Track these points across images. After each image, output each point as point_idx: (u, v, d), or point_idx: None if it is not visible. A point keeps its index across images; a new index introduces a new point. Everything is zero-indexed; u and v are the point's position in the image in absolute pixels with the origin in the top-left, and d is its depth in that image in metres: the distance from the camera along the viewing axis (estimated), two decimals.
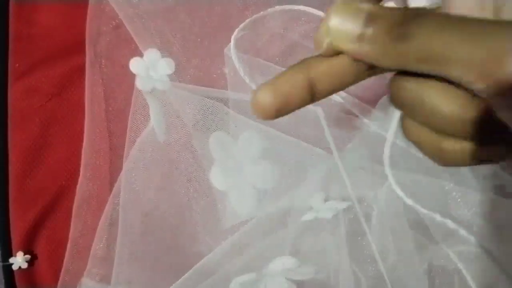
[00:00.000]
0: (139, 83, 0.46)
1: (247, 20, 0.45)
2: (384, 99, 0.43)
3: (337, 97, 0.45)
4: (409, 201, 0.42)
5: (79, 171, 0.48)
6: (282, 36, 0.48)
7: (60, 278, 0.47)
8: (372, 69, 0.20)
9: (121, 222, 0.46)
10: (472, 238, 0.42)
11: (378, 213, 0.45)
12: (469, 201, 0.44)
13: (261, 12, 0.45)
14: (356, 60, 0.19)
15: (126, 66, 0.46)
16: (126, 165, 0.46)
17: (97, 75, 0.48)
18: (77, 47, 0.48)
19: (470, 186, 0.44)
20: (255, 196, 0.46)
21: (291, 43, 0.48)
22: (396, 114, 0.23)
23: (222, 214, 0.47)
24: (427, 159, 0.22)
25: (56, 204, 0.48)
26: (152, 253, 0.47)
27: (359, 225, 0.45)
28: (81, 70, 0.48)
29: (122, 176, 0.46)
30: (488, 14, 0.19)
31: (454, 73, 0.17)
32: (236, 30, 0.45)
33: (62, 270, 0.47)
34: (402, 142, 0.41)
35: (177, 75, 0.47)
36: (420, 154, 0.22)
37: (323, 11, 0.46)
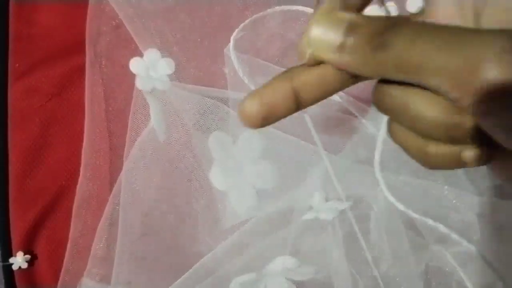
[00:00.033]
0: (139, 83, 0.46)
1: (246, 21, 0.45)
2: None
3: (335, 97, 0.45)
4: (401, 206, 0.42)
5: (79, 171, 0.48)
6: (281, 36, 0.48)
7: (60, 278, 0.47)
8: (356, 77, 0.20)
9: (121, 222, 0.46)
10: (464, 241, 0.43)
11: (377, 214, 0.45)
12: (465, 203, 0.44)
13: (261, 13, 0.45)
14: (339, 69, 0.19)
15: (126, 66, 0.46)
16: (126, 164, 0.46)
17: (97, 75, 0.48)
18: (77, 47, 0.48)
19: (464, 188, 0.45)
20: (255, 196, 0.46)
21: (291, 43, 0.48)
22: (385, 118, 0.23)
23: (222, 214, 0.47)
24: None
25: (56, 204, 0.48)
26: (152, 253, 0.47)
27: (358, 226, 0.45)
28: (81, 70, 0.48)
29: (122, 176, 0.46)
30: (469, 20, 0.19)
31: (431, 82, 0.17)
32: (236, 30, 0.45)
33: (62, 270, 0.47)
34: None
35: (177, 75, 0.47)
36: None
37: None
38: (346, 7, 0.20)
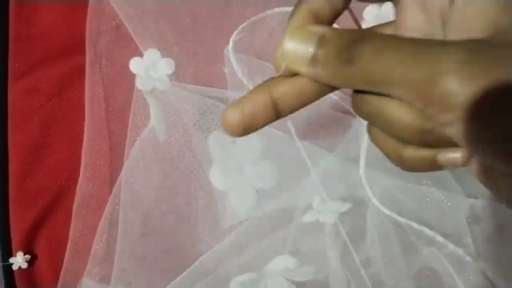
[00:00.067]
0: (139, 83, 0.46)
1: (246, 22, 0.45)
2: None
3: (331, 95, 0.45)
4: (386, 210, 0.43)
5: (79, 171, 0.48)
6: (280, 37, 0.48)
7: (60, 278, 0.47)
8: (332, 87, 0.21)
9: (121, 222, 0.46)
10: (450, 244, 0.43)
11: (371, 215, 0.45)
12: (457, 205, 0.45)
13: (260, 14, 0.45)
14: (314, 80, 0.20)
15: (126, 66, 0.46)
16: (127, 164, 0.46)
17: (97, 75, 0.48)
18: (77, 47, 0.48)
19: (453, 190, 0.45)
20: (255, 196, 0.46)
21: None
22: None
23: (222, 214, 0.47)
24: None
25: (56, 204, 0.48)
26: (152, 253, 0.47)
27: (355, 227, 0.45)
28: (81, 70, 0.48)
29: (122, 176, 0.46)
30: (437, 27, 0.20)
31: (396, 93, 0.18)
32: (235, 32, 0.45)
33: (62, 270, 0.47)
34: None
35: (177, 75, 0.47)
36: None
37: None
38: (318, 20, 0.21)
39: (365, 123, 0.23)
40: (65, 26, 0.49)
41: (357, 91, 0.21)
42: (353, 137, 0.45)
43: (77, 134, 0.48)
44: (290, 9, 0.21)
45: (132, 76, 0.46)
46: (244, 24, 0.45)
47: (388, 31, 0.22)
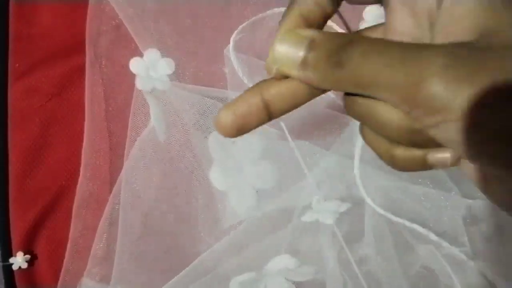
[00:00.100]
0: (139, 83, 0.46)
1: (245, 22, 0.45)
2: None
3: (329, 93, 0.45)
4: (380, 210, 0.43)
5: (79, 171, 0.48)
6: None
7: (60, 278, 0.47)
8: (323, 89, 0.21)
9: (121, 222, 0.46)
10: (444, 242, 0.43)
11: (368, 216, 0.45)
12: (452, 205, 0.45)
13: (260, 14, 0.45)
14: (305, 83, 0.20)
15: (126, 66, 0.46)
16: (127, 164, 0.46)
17: (97, 75, 0.48)
18: (77, 47, 0.48)
19: (450, 191, 0.45)
20: (255, 196, 0.46)
21: None
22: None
23: (222, 214, 0.47)
24: None
25: (56, 204, 0.48)
26: (152, 253, 0.47)
27: (354, 228, 0.45)
28: (81, 70, 0.48)
29: (122, 176, 0.46)
30: (425, 29, 0.20)
31: (383, 96, 0.18)
32: (235, 32, 0.45)
33: (62, 270, 0.47)
34: None
35: (177, 75, 0.47)
36: None
37: None
38: (308, 24, 0.21)
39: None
40: (65, 26, 0.49)
41: (348, 93, 0.21)
42: (350, 136, 0.45)
43: (77, 134, 0.48)
44: None
45: (132, 76, 0.46)
46: (244, 24, 0.45)
47: (378, 33, 0.23)
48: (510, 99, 0.16)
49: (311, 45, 0.19)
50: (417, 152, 0.21)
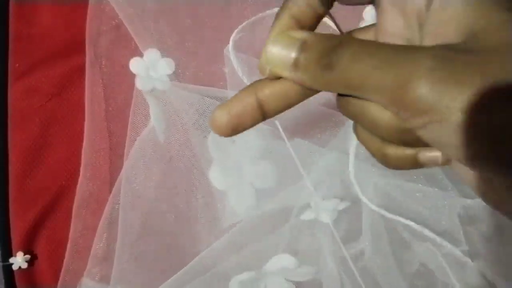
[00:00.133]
0: (139, 83, 0.46)
1: (245, 22, 0.45)
2: None
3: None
4: (374, 207, 0.43)
5: (79, 171, 0.48)
6: None
7: (60, 278, 0.47)
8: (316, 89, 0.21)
9: (121, 222, 0.46)
10: (438, 238, 0.43)
11: (366, 214, 0.45)
12: (450, 204, 0.45)
13: (260, 14, 0.45)
14: (297, 84, 0.21)
15: (126, 66, 0.46)
16: (126, 164, 0.46)
17: (97, 75, 0.48)
18: (77, 47, 0.48)
19: (448, 190, 0.45)
20: (254, 196, 0.46)
21: None
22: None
23: (221, 214, 0.47)
24: None
25: (56, 204, 0.48)
26: (152, 253, 0.47)
27: (352, 226, 0.45)
28: (81, 70, 0.48)
29: (122, 175, 0.46)
30: (415, 30, 0.20)
31: (372, 98, 0.19)
32: (235, 31, 0.45)
33: (62, 270, 0.47)
34: None
35: (177, 75, 0.47)
36: None
37: None
38: (301, 25, 0.21)
39: None
40: (65, 26, 0.49)
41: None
42: (347, 133, 0.45)
43: (77, 134, 0.48)
44: None
45: (132, 76, 0.46)
46: (244, 24, 0.45)
47: (371, 34, 0.23)
48: (494, 100, 0.16)
49: (303, 47, 0.20)
50: (408, 151, 0.21)
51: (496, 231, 0.45)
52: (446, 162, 0.21)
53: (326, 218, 0.44)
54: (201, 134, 0.46)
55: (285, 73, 0.20)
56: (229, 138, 0.45)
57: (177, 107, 0.46)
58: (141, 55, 0.47)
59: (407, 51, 0.18)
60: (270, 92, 0.21)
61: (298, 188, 0.45)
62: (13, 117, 0.48)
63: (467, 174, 0.20)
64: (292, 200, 0.46)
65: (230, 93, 0.46)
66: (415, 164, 0.21)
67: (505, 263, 0.44)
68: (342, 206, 0.44)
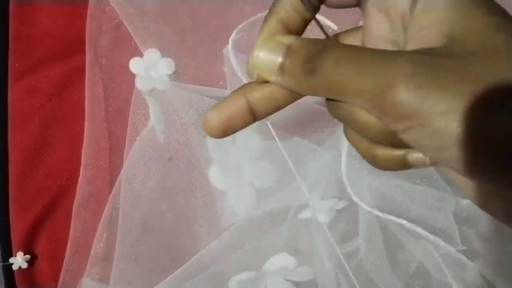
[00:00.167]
0: (139, 83, 0.46)
1: (245, 22, 0.45)
2: None
3: None
4: (366, 206, 0.43)
5: (79, 171, 0.48)
6: None
7: (60, 278, 0.47)
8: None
9: (121, 222, 0.46)
10: (431, 236, 0.43)
11: (362, 213, 0.45)
12: (446, 203, 0.45)
13: (259, 14, 0.45)
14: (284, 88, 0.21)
15: (126, 66, 0.46)
16: (126, 164, 0.46)
17: (97, 75, 0.48)
18: (77, 47, 0.48)
19: (442, 189, 0.45)
20: (254, 196, 0.46)
21: None
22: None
23: (221, 213, 0.47)
24: None
25: (56, 204, 0.48)
26: (152, 253, 0.47)
27: (350, 225, 0.45)
28: (81, 70, 0.48)
29: (122, 175, 0.46)
30: (399, 34, 0.21)
31: (355, 102, 0.19)
32: (234, 31, 0.45)
33: (62, 270, 0.47)
34: None
35: (177, 75, 0.47)
36: None
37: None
38: (288, 30, 0.21)
39: None
40: (65, 26, 0.49)
41: None
42: (342, 133, 0.45)
43: (77, 134, 0.48)
44: None
45: (132, 76, 0.46)
46: (243, 24, 0.45)
47: (359, 35, 0.23)
48: (476, 105, 0.16)
49: (288, 51, 0.20)
50: (397, 152, 0.21)
51: (496, 231, 0.45)
52: (435, 163, 0.21)
53: (323, 217, 0.44)
54: (200, 134, 0.46)
55: (272, 77, 0.20)
56: (229, 138, 0.45)
57: (177, 107, 0.46)
58: (141, 55, 0.47)
59: (389, 57, 0.18)
60: (259, 95, 0.21)
61: (297, 187, 0.45)
62: (13, 117, 0.48)
63: (456, 175, 0.21)
64: (292, 199, 0.46)
65: (229, 93, 0.46)
66: (404, 165, 0.22)
67: (505, 263, 0.44)
68: (340, 205, 0.44)
